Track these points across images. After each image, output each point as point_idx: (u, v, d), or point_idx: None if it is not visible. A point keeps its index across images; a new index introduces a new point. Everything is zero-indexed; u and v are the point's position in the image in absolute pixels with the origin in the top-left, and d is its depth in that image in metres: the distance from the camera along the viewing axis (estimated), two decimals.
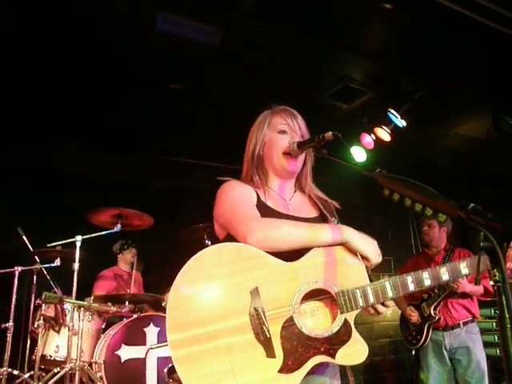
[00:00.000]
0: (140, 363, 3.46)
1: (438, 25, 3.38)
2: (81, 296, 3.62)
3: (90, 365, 3.47)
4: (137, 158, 5.39)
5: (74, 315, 3.48)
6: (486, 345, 3.93)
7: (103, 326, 3.85)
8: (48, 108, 4.37)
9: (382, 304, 1.49)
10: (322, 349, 1.37)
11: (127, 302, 3.89)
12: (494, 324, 5.45)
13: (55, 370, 3.32)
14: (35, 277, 3.99)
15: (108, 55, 3.61)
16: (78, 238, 3.66)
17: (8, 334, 3.63)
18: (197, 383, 1.28)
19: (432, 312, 3.83)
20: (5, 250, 4.11)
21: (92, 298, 3.76)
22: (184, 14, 3.20)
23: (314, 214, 1.76)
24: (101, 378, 3.35)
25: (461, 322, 3.81)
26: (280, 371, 1.31)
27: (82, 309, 3.50)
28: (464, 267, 1.56)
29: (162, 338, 3.57)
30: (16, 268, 3.78)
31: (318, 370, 1.44)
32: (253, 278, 1.40)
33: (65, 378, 3.31)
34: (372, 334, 6.28)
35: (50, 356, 3.58)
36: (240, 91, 4.17)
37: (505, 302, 1.03)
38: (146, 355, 3.50)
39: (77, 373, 3.26)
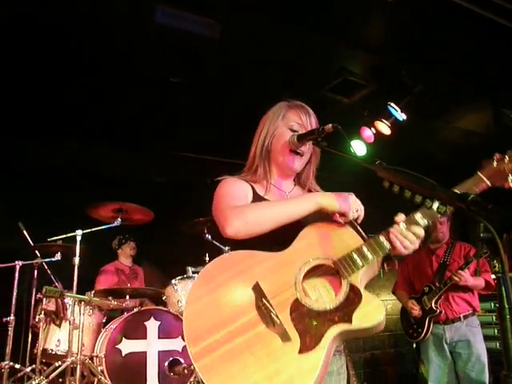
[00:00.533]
0: (141, 357, 3.47)
1: (438, 18, 3.37)
2: (81, 290, 3.63)
3: (91, 359, 3.48)
4: (137, 153, 5.38)
5: (75, 309, 3.49)
6: (486, 338, 3.92)
7: (104, 320, 3.85)
8: (48, 103, 4.37)
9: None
10: (336, 318, 1.38)
11: (128, 296, 3.90)
12: (494, 318, 5.45)
13: (56, 364, 3.34)
14: (36, 271, 4.01)
15: (107, 49, 3.60)
16: (79, 232, 3.68)
17: (9, 328, 3.64)
18: None
19: (433, 305, 3.83)
20: (6, 245, 4.12)
21: (93, 292, 3.78)
22: (183, 8, 3.19)
23: None
24: (102, 371, 3.36)
25: (461, 316, 3.81)
26: (300, 352, 1.33)
27: (83, 303, 3.51)
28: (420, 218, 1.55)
29: (162, 331, 3.57)
30: (17, 262, 3.79)
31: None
32: (251, 277, 1.44)
33: (66, 372, 3.33)
34: None
35: (52, 350, 3.59)
36: (240, 85, 4.16)
37: (504, 293, 1.03)
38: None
39: (78, 367, 3.27)
